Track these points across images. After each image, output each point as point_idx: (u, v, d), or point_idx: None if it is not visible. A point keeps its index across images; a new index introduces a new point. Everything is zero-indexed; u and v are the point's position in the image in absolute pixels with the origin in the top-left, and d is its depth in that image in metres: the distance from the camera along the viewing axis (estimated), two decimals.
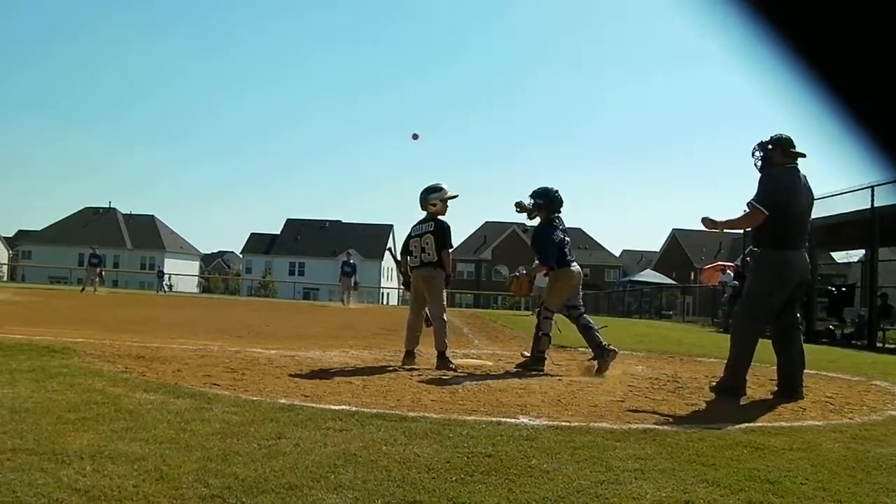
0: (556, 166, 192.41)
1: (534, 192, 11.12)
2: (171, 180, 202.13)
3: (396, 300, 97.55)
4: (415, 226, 11.31)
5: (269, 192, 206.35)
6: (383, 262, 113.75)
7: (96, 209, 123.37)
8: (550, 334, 10.82)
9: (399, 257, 11.61)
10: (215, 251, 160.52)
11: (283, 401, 7.21)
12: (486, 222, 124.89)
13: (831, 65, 1.63)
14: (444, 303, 11.20)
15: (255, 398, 7.28)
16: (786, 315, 8.86)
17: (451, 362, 10.58)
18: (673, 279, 69.63)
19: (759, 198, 8.63)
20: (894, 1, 1.57)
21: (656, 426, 6.81)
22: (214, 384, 8.05)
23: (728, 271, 25.38)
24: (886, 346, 22.11)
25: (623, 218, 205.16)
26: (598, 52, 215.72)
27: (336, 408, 6.94)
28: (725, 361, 9.09)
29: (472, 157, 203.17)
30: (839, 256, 33.76)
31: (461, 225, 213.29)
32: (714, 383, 9.06)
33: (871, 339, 22.11)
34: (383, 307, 58.33)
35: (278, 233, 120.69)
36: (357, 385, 8.56)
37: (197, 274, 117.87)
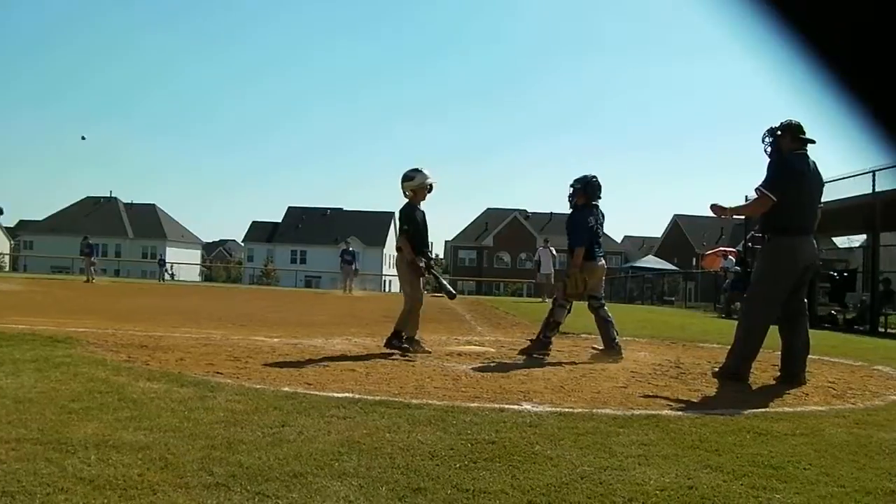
0: (557, 154, 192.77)
1: (575, 179, 11.03)
2: (172, 169, 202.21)
3: (399, 287, 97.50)
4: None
5: (271, 181, 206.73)
6: (385, 250, 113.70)
7: (97, 199, 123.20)
8: (561, 322, 10.74)
9: None
10: (217, 240, 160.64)
11: (286, 389, 7.22)
12: (488, 209, 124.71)
13: (833, 47, 1.63)
14: (410, 287, 11.22)
15: (258, 386, 7.30)
16: (793, 300, 8.86)
17: (402, 344, 10.73)
18: (675, 265, 69.45)
19: (767, 183, 8.62)
20: None
21: (659, 412, 6.82)
22: (217, 372, 8.06)
23: (730, 257, 25.30)
24: (888, 331, 22.10)
25: (624, 204, 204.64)
26: (599, 43, 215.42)
27: (339, 395, 6.96)
28: (728, 347, 9.10)
29: (474, 144, 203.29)
30: (841, 241, 33.72)
31: (463, 212, 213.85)
32: (717, 369, 9.07)
33: (873, 325, 22.11)
34: (385, 294, 58.19)
35: (280, 221, 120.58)
36: (360, 372, 8.57)
37: (199, 262, 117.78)
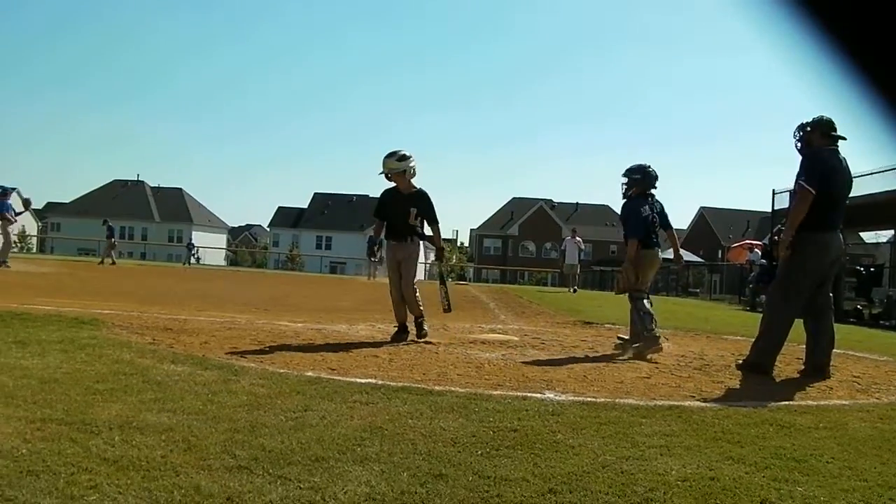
0: (584, 144, 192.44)
1: (628, 169, 10.73)
2: (199, 154, 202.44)
3: (423, 275, 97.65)
4: None
5: (297, 166, 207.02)
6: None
7: (125, 182, 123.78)
8: (651, 311, 10.26)
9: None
10: (243, 224, 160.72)
11: (309, 373, 7.25)
12: (514, 198, 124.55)
13: (860, 42, 1.62)
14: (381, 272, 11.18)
15: (281, 371, 7.33)
16: (819, 294, 8.82)
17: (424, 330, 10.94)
18: (700, 257, 69.30)
19: (806, 178, 8.57)
20: None
21: (682, 403, 6.81)
22: (241, 356, 8.09)
23: (756, 250, 25.20)
24: None
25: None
26: (630, 35, 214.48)
27: (362, 381, 6.98)
28: (753, 340, 9.06)
29: (501, 133, 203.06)
30: (868, 236, 33.55)
31: (488, 201, 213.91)
32: (741, 361, 9.04)
33: None
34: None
35: (306, 206, 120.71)
36: (383, 359, 8.59)
37: (224, 247, 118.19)
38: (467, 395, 6.58)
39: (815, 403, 7.22)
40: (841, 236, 8.98)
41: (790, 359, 9.52)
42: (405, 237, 10.73)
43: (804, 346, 9.04)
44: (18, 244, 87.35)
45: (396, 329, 10.79)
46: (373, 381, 7.05)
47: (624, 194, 10.68)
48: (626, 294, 10.39)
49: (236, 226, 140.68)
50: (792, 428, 5.96)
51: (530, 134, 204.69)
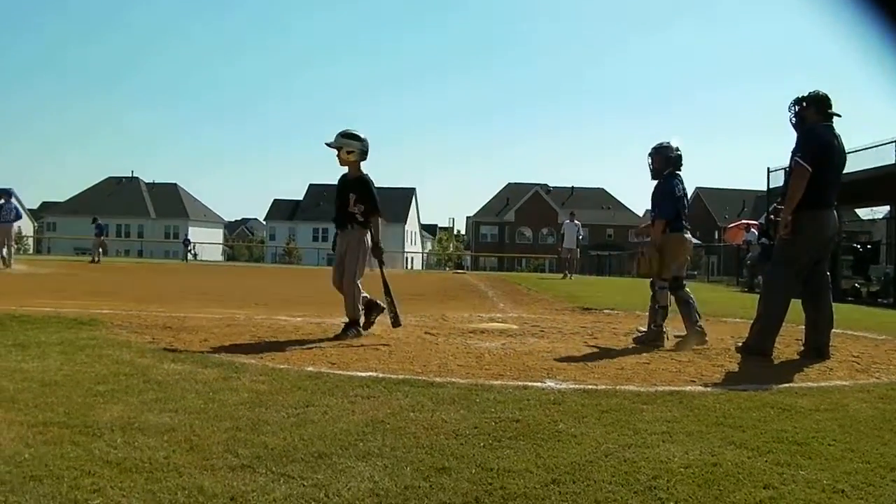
0: (578, 127, 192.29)
1: (658, 147, 10.30)
2: (193, 148, 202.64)
3: (421, 264, 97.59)
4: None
5: (291, 157, 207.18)
6: (406, 226, 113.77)
7: (119, 178, 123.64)
8: (668, 306, 10.08)
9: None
10: (239, 218, 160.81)
11: (310, 369, 7.26)
12: (509, 184, 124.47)
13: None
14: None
15: (282, 366, 7.34)
16: (816, 273, 8.82)
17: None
18: (697, 238, 69.29)
19: (802, 155, 8.55)
20: None
21: (683, 388, 6.83)
22: (241, 353, 8.09)
23: (752, 230, 25.19)
24: None
25: (646, 177, 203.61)
26: (618, 15, 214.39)
27: (363, 375, 6.99)
28: (751, 322, 9.06)
29: (494, 119, 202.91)
30: (864, 213, 33.52)
31: (484, 188, 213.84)
32: (740, 344, 9.04)
33: None
34: (407, 272, 58.23)
35: (301, 199, 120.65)
36: (383, 352, 8.59)
37: (221, 242, 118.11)
38: (468, 386, 6.60)
39: (816, 385, 7.23)
40: (837, 214, 8.98)
41: (789, 340, 9.54)
42: (345, 225, 10.19)
43: (803, 327, 9.05)
44: (15, 245, 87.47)
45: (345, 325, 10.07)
46: (373, 374, 7.05)
47: (654, 174, 10.27)
48: (650, 283, 10.22)
49: (233, 220, 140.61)
50: (793, 410, 5.97)
51: (525, 119, 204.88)
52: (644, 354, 8.88)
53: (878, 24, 1.60)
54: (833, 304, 9.07)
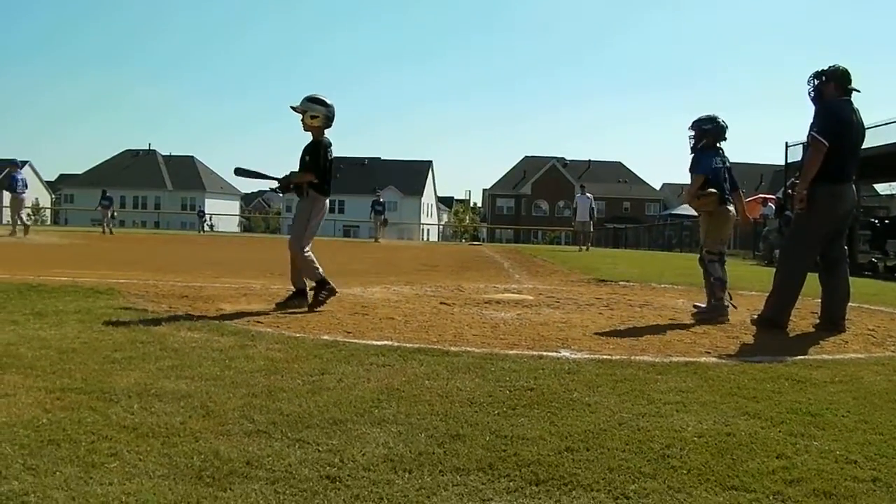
0: (595, 101, 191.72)
1: (695, 120, 10.10)
2: (209, 120, 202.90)
3: (437, 236, 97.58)
4: (329, 146, 9.81)
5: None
6: (423, 199, 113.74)
7: (136, 151, 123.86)
8: (723, 277, 9.82)
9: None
10: (255, 191, 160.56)
11: (325, 337, 7.28)
12: (526, 157, 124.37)
13: None
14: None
15: (298, 335, 7.36)
16: (833, 247, 8.79)
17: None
18: None
19: (819, 129, 8.50)
20: None
21: (697, 359, 6.82)
22: (257, 322, 8.13)
23: (770, 203, 25.11)
24: None
25: (663, 151, 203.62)
26: None
27: (378, 343, 7.01)
28: (767, 294, 9.05)
29: (512, 93, 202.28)
30: (882, 188, 33.34)
31: (501, 161, 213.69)
32: (756, 316, 9.03)
33: None
34: (423, 243, 58.18)
35: None
36: (399, 321, 8.61)
37: (238, 213, 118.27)
38: (483, 355, 6.62)
39: (831, 357, 7.22)
40: (854, 188, 8.93)
41: (805, 313, 9.51)
42: (301, 192, 9.83)
43: (819, 300, 9.03)
44: (32, 217, 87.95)
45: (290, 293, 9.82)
46: (389, 343, 7.07)
47: (692, 148, 10.08)
48: (698, 259, 10.09)
49: (249, 192, 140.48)
50: (807, 382, 5.97)
51: (542, 92, 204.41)
52: (659, 326, 8.88)
53: None
54: (850, 278, 9.05)
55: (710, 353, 7.21)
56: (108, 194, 46.76)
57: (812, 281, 8.84)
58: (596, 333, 8.13)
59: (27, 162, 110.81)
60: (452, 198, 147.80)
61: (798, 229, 8.94)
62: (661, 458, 4.02)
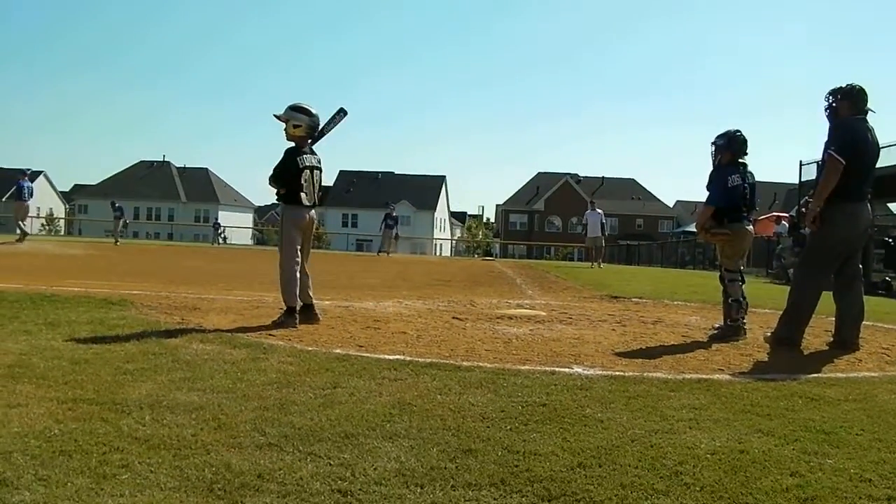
0: (610, 118, 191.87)
1: (717, 136, 9.87)
2: (224, 134, 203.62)
3: (450, 251, 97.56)
4: (304, 154, 9.35)
5: (321, 144, 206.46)
6: (436, 213, 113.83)
7: (151, 163, 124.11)
8: (741, 299, 9.65)
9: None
10: (269, 203, 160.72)
11: (338, 351, 7.28)
12: (539, 173, 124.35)
13: None
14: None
15: (310, 348, 7.37)
16: (847, 266, 8.76)
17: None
18: None
19: (836, 148, 8.48)
20: None
21: (711, 376, 6.80)
22: (270, 335, 8.13)
23: (783, 222, 25.01)
24: None
25: (677, 168, 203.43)
26: (656, 8, 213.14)
27: (390, 357, 7.00)
28: (781, 312, 9.02)
29: (525, 109, 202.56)
30: None
31: (514, 177, 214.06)
32: (769, 334, 9.00)
33: None
34: (436, 258, 58.19)
35: (331, 185, 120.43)
36: (411, 335, 8.60)
37: (251, 226, 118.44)
38: (495, 370, 6.61)
39: (844, 375, 7.19)
40: (869, 207, 8.91)
41: (819, 331, 9.47)
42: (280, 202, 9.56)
43: (833, 319, 9.00)
44: (46, 227, 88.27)
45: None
46: (401, 357, 7.07)
47: (713, 163, 9.88)
48: (719, 277, 9.99)
49: (262, 205, 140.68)
50: (821, 400, 5.95)
51: (556, 109, 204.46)
52: (671, 343, 8.86)
53: None
54: (864, 296, 9.02)
55: (723, 370, 7.20)
56: (117, 205, 46.83)
57: (826, 299, 8.80)
58: (608, 350, 8.11)
59: (41, 172, 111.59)
60: (465, 213, 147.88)
61: (813, 248, 8.92)
62: (673, 476, 4.01)
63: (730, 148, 9.66)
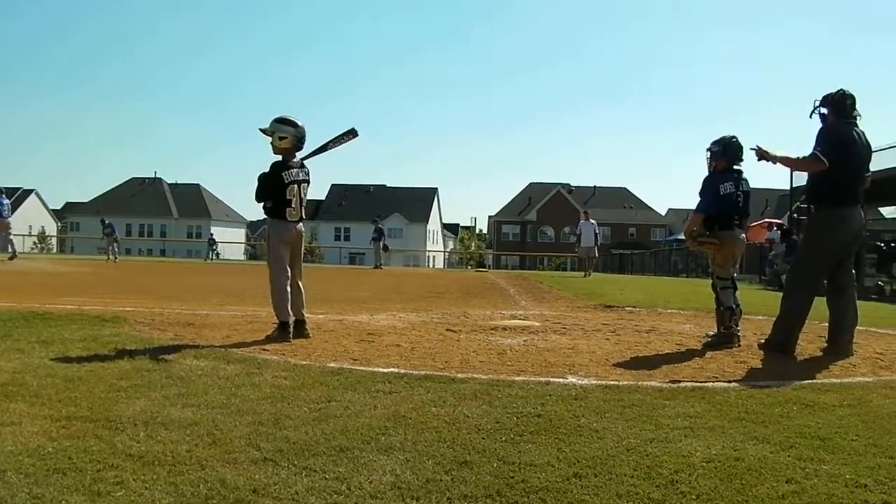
0: (600, 127, 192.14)
1: (712, 142, 9.84)
2: (215, 149, 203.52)
3: (443, 263, 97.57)
4: (290, 169, 9.27)
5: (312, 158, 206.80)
6: (428, 226, 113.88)
7: (142, 179, 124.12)
8: (734, 306, 9.64)
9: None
10: (261, 218, 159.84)
11: (332, 365, 7.27)
12: (531, 183, 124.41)
13: None
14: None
15: (304, 362, 7.36)
16: (840, 271, 8.76)
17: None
18: None
19: (822, 149, 8.50)
20: None
21: (705, 384, 6.81)
22: (264, 349, 8.13)
23: (775, 228, 25.05)
24: None
25: (668, 176, 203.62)
26: (644, 12, 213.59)
27: (385, 370, 7.00)
28: (774, 319, 9.03)
29: (515, 120, 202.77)
30: (888, 212, 33.28)
31: (505, 187, 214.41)
32: (763, 341, 9.01)
33: None
34: (430, 270, 58.22)
35: (323, 198, 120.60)
36: (405, 348, 8.60)
37: (243, 241, 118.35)
38: (490, 381, 6.60)
39: (839, 381, 7.20)
40: (861, 211, 8.92)
41: (812, 337, 9.49)
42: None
43: (826, 324, 9.01)
44: (38, 244, 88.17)
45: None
46: (395, 370, 7.07)
47: (709, 169, 9.84)
48: (711, 285, 9.98)
49: (255, 220, 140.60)
50: (816, 406, 5.95)
51: (547, 118, 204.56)
52: (666, 351, 8.86)
53: None
54: (857, 301, 9.03)
55: (717, 377, 7.20)
56: (107, 222, 46.74)
57: (820, 305, 8.82)
58: (603, 359, 8.12)
59: (33, 190, 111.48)
60: (458, 225, 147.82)
61: (805, 253, 8.94)
62: (669, 484, 4.01)
63: (725, 155, 9.62)
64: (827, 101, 8.69)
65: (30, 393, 5.65)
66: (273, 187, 9.13)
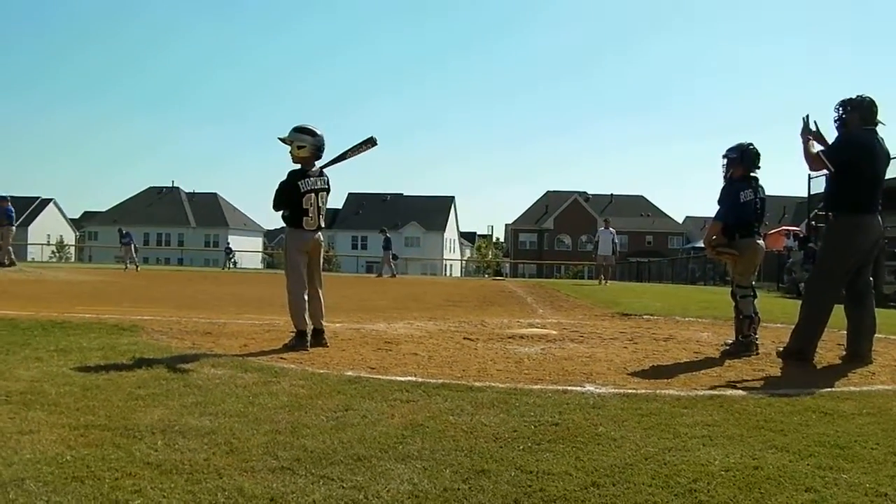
0: (618, 136, 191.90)
1: (728, 149, 9.79)
2: (232, 159, 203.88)
3: (460, 272, 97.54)
4: (308, 178, 9.26)
5: (330, 167, 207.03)
6: (445, 234, 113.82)
7: (160, 188, 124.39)
8: (753, 314, 9.59)
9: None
10: (278, 227, 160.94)
11: (349, 373, 7.27)
12: (548, 191, 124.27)
13: None
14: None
15: (321, 371, 7.36)
16: (859, 278, 8.73)
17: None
18: None
19: (829, 153, 8.48)
20: None
21: (724, 392, 6.78)
22: (281, 358, 8.13)
23: (793, 236, 24.97)
24: None
25: (686, 184, 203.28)
26: (667, 24, 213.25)
27: (402, 379, 6.99)
28: (793, 327, 8.99)
29: (532, 128, 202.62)
30: None
31: (523, 195, 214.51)
32: (781, 349, 8.97)
33: None
34: (447, 279, 58.17)
35: (340, 207, 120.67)
36: (422, 356, 8.59)
37: (261, 250, 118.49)
38: (507, 390, 6.59)
39: (858, 389, 7.16)
40: (880, 219, 8.88)
41: (831, 345, 9.44)
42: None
43: (845, 332, 8.97)
44: (57, 254, 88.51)
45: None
46: (412, 378, 7.07)
47: (724, 176, 9.82)
48: (731, 293, 9.95)
49: (272, 228, 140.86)
50: (835, 415, 5.92)
51: (564, 127, 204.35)
52: (684, 359, 8.83)
53: None
54: (876, 309, 8.98)
55: (736, 386, 7.17)
56: (125, 231, 46.90)
57: (838, 312, 8.78)
58: (620, 367, 8.10)
59: (51, 200, 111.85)
60: (475, 233, 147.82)
61: (823, 261, 8.91)
62: (688, 493, 3.99)
63: (742, 162, 9.58)
64: (854, 105, 8.65)
65: (48, 401, 5.67)
66: (289, 196, 9.15)
